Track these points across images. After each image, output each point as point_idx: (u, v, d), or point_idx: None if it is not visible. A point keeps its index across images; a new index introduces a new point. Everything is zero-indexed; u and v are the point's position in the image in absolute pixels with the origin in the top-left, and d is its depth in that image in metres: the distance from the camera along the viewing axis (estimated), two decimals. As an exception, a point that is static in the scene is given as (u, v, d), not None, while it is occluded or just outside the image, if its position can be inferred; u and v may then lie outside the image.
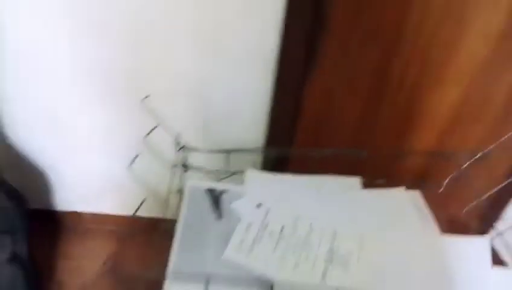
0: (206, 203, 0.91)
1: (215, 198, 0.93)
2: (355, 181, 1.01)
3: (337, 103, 1.05)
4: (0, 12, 0.90)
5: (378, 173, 1.03)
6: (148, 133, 0.81)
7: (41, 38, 0.95)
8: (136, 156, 0.67)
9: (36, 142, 1.18)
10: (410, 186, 0.99)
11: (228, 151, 0.93)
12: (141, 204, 0.65)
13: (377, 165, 1.08)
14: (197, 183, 0.95)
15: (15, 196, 1.06)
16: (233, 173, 1.01)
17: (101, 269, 1.20)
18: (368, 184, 1.00)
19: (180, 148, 0.92)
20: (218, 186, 0.95)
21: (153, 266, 0.64)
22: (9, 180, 1.08)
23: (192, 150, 0.94)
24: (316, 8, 0.87)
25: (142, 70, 0.97)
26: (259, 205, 0.91)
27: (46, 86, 1.05)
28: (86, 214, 1.36)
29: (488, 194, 0.92)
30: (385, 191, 0.99)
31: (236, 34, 0.92)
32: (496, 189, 0.94)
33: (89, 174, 1.25)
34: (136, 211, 0.61)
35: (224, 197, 0.93)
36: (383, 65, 0.98)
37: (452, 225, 0.98)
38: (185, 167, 0.97)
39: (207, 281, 0.72)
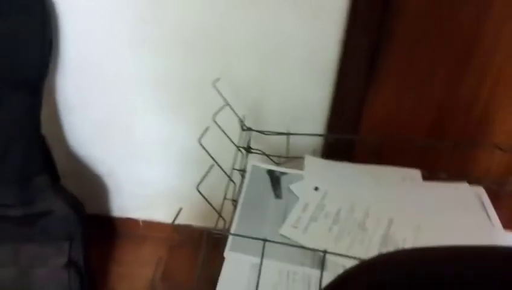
0: (266, 183, 0.97)
1: (276, 179, 0.98)
2: (415, 173, 1.01)
3: (401, 119, 1.04)
4: (64, 24, 0.97)
5: (439, 167, 1.02)
6: (217, 112, 0.88)
7: (104, 47, 1.01)
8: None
9: (95, 150, 1.24)
10: (473, 181, 0.97)
11: (289, 134, 0.98)
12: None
13: (441, 158, 1.07)
14: (259, 163, 1.01)
15: (74, 203, 1.11)
16: (293, 158, 1.06)
17: (153, 276, 1.28)
18: (428, 177, 1.00)
19: (246, 129, 0.98)
20: (279, 169, 1.01)
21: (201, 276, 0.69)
22: (69, 187, 1.15)
23: (257, 132, 1.00)
24: (381, 19, 0.88)
25: (203, 80, 1.00)
26: (316, 188, 0.95)
27: (106, 94, 1.10)
28: (140, 221, 1.42)
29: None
30: (447, 185, 0.98)
31: (296, 45, 0.94)
32: None
33: (145, 182, 1.30)
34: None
35: (284, 179, 0.98)
36: (454, 78, 0.95)
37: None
38: (249, 149, 1.04)
39: (264, 251, 0.77)
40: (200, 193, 0.72)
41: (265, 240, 0.75)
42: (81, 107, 1.14)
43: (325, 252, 0.73)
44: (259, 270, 0.73)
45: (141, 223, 1.42)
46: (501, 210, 0.97)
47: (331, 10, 0.87)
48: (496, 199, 0.94)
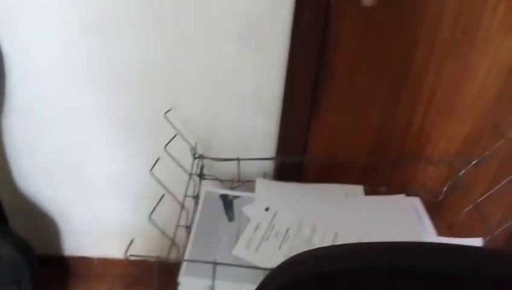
0: (219, 207, 1.01)
1: (229, 202, 1.02)
2: (358, 189, 1.09)
3: (344, 142, 1.12)
4: (10, 65, 0.98)
5: (380, 182, 1.11)
6: (168, 143, 0.92)
7: (52, 87, 1.02)
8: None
9: (46, 189, 1.22)
10: (411, 193, 1.06)
11: (239, 159, 1.03)
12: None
13: (378, 175, 1.17)
14: (212, 189, 1.05)
15: (22, 245, 1.10)
16: (245, 181, 1.11)
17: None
18: (370, 192, 1.08)
19: (197, 157, 1.03)
20: (232, 192, 1.05)
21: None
22: (18, 227, 1.13)
23: (208, 159, 1.05)
24: (320, 54, 0.96)
25: (154, 113, 1.03)
26: (267, 209, 1.00)
27: (54, 134, 1.10)
28: (94, 259, 1.40)
29: (482, 198, 0.98)
30: (386, 197, 1.07)
31: (240, 78, 1.00)
32: (488, 193, 1.00)
33: (99, 219, 1.29)
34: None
35: (237, 202, 1.02)
36: (389, 104, 1.04)
37: (452, 229, 1.04)
38: (202, 175, 1.08)
39: (215, 274, 0.80)
40: (152, 221, 0.75)
41: (215, 263, 0.79)
42: (30, 148, 1.13)
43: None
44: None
45: (96, 261, 1.41)
46: (435, 218, 1.06)
47: (274, 46, 0.95)
48: (431, 207, 1.03)
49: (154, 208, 0.75)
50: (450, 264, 0.31)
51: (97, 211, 1.27)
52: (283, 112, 1.04)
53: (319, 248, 0.38)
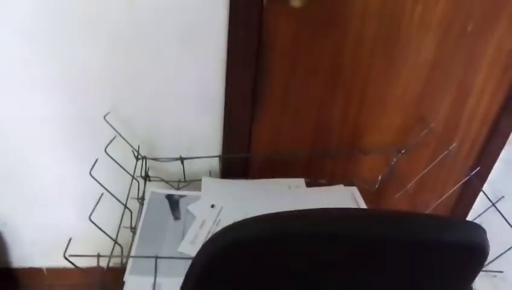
0: (165, 207, 1.02)
1: (175, 202, 1.04)
2: (300, 181, 1.14)
3: (285, 138, 1.16)
4: None
5: (320, 175, 1.17)
6: (108, 144, 0.93)
7: None
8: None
9: None
10: (349, 184, 1.13)
11: (183, 159, 1.05)
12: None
13: (320, 168, 1.23)
14: (157, 189, 1.06)
15: None
16: (192, 181, 1.13)
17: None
18: (311, 184, 1.13)
19: (140, 158, 1.04)
20: (178, 192, 1.07)
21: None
22: None
23: (151, 159, 1.06)
24: (257, 55, 0.99)
25: (93, 116, 1.02)
26: (213, 206, 1.03)
27: None
28: (44, 269, 1.34)
29: (410, 184, 1.06)
30: (326, 188, 1.12)
31: (182, 80, 1.02)
32: (415, 180, 1.08)
33: (45, 227, 1.25)
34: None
35: (183, 201, 1.04)
36: (325, 100, 1.10)
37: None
38: (147, 176, 1.09)
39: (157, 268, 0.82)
40: (93, 222, 0.76)
41: (156, 257, 0.81)
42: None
43: None
44: (153, 286, 0.77)
45: (45, 272, 1.37)
46: (373, 206, 1.14)
47: (212, 47, 0.98)
48: (369, 197, 1.10)
49: (94, 208, 0.75)
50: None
51: (42, 218, 1.23)
52: (225, 112, 1.07)
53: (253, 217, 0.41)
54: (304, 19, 0.97)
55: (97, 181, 0.82)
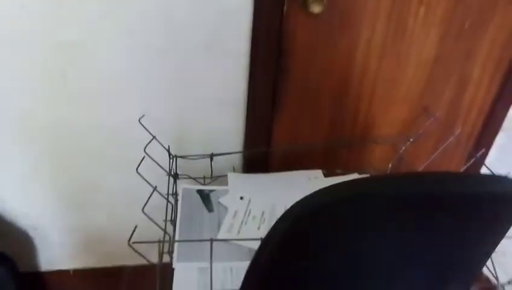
0: (198, 201, 1.10)
1: (206, 196, 1.11)
2: (318, 172, 1.23)
3: (303, 134, 1.25)
4: None
5: (336, 165, 1.26)
6: (147, 145, 1.00)
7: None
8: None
9: (18, 205, 1.23)
10: (362, 173, 1.22)
11: (213, 155, 1.13)
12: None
13: (335, 160, 1.32)
14: (188, 186, 1.14)
15: (5, 261, 1.12)
16: (217, 177, 1.21)
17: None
18: (328, 174, 1.22)
19: (173, 157, 1.11)
20: (207, 187, 1.15)
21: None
22: None
23: (182, 157, 1.13)
24: (277, 58, 1.09)
25: (126, 123, 1.12)
26: (242, 198, 1.11)
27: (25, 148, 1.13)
28: (72, 271, 1.40)
29: (420, 169, 1.16)
30: (342, 177, 1.22)
31: (208, 84, 1.10)
32: (424, 165, 1.19)
33: (74, 230, 1.31)
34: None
35: (213, 195, 1.12)
36: (338, 97, 1.20)
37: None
38: (176, 175, 1.16)
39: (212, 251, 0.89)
40: (145, 214, 0.83)
41: (212, 240, 0.88)
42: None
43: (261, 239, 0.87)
44: (211, 269, 0.84)
45: (72, 273, 1.42)
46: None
47: (237, 54, 1.06)
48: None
49: (146, 202, 0.82)
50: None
51: (72, 221, 1.29)
52: (248, 111, 1.15)
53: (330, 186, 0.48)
54: (321, 23, 1.06)
55: (143, 178, 0.90)
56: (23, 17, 0.93)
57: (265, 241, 0.54)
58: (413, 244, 0.50)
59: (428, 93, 1.22)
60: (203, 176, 1.23)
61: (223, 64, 1.08)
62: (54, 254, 1.37)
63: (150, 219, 0.85)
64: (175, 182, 1.16)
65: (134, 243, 0.76)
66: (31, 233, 1.29)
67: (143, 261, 1.42)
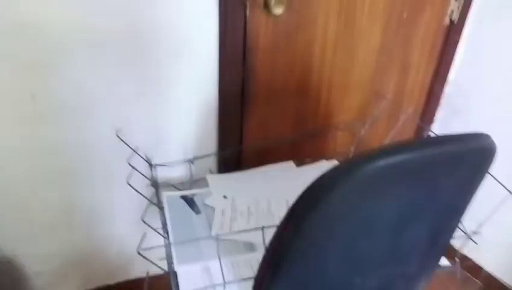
0: (183, 205, 1.12)
1: (190, 200, 1.14)
2: (290, 164, 1.31)
3: (271, 129, 1.33)
4: None
5: (305, 155, 1.35)
6: (130, 157, 1.00)
7: None
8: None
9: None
10: (329, 159, 1.32)
11: (193, 159, 1.16)
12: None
13: (302, 150, 1.41)
14: (171, 193, 1.15)
15: None
16: (195, 181, 1.24)
17: None
18: (299, 164, 1.30)
19: (153, 165, 1.12)
20: (189, 192, 1.17)
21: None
22: None
23: (162, 165, 1.15)
24: (243, 57, 1.14)
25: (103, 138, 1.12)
26: (225, 197, 1.15)
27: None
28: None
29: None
30: (312, 165, 1.31)
31: (180, 89, 1.14)
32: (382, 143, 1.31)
33: (48, 257, 1.27)
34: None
35: (197, 198, 1.15)
36: (300, 90, 1.28)
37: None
38: (157, 183, 1.17)
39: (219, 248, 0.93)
40: (145, 222, 0.84)
41: (217, 238, 0.92)
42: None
43: (263, 227, 0.91)
44: (220, 264, 0.88)
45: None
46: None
47: (207, 58, 1.10)
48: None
49: (145, 211, 0.84)
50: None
51: (46, 247, 1.24)
52: (219, 112, 1.20)
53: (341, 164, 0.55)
54: (281, 23, 1.14)
55: (136, 190, 0.91)
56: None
57: (291, 212, 0.60)
58: (415, 202, 0.59)
59: (377, 79, 1.35)
60: (181, 182, 1.25)
61: (194, 69, 1.12)
62: (32, 285, 1.30)
63: (150, 227, 0.87)
64: (157, 191, 1.17)
65: (143, 249, 0.77)
66: (4, 265, 1.22)
67: (126, 277, 1.41)
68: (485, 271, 1.56)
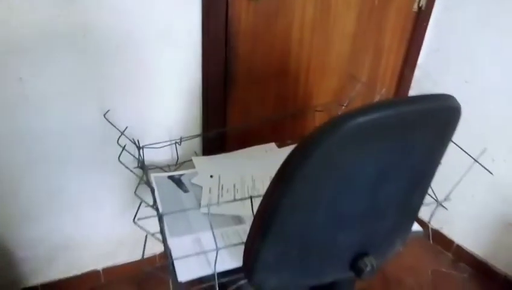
0: (171, 185, 1.16)
1: (177, 180, 1.18)
2: (272, 145, 1.36)
3: (253, 111, 1.38)
4: None
5: (286, 137, 1.41)
6: (119, 138, 1.03)
7: None
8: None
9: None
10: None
11: (181, 140, 1.20)
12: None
13: (283, 132, 1.47)
14: (158, 174, 1.19)
15: None
16: (181, 163, 1.28)
17: None
18: (280, 145, 1.36)
19: (141, 147, 1.15)
20: (176, 173, 1.21)
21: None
22: None
23: (150, 147, 1.18)
24: (226, 39, 1.18)
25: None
26: (211, 176, 1.20)
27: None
28: (40, 286, 1.37)
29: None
30: (293, 147, 1.36)
31: (166, 73, 1.18)
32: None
33: (37, 242, 1.29)
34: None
35: (184, 178, 1.19)
36: (280, 73, 1.34)
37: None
38: (144, 165, 1.20)
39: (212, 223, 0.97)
40: (138, 195, 0.88)
41: (209, 205, 0.96)
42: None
43: (251, 197, 0.96)
44: (212, 231, 0.92)
45: (40, 288, 1.37)
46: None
47: (191, 43, 1.14)
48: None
49: (137, 186, 0.88)
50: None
51: (33, 233, 1.26)
52: (203, 96, 1.24)
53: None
54: (261, 8, 1.19)
55: (126, 167, 0.94)
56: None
57: (281, 171, 0.66)
58: (392, 157, 0.65)
59: (352, 63, 1.43)
60: (167, 165, 1.28)
61: (178, 55, 1.16)
62: (19, 271, 1.31)
63: (143, 200, 0.90)
64: (145, 172, 1.20)
65: (139, 219, 0.81)
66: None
67: (114, 263, 1.43)
68: (455, 244, 1.67)
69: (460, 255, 1.66)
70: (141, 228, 0.83)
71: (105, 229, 1.36)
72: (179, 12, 1.09)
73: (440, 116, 0.64)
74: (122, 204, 1.33)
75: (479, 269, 1.60)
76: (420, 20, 1.46)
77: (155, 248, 1.50)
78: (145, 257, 1.48)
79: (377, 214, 0.73)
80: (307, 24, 1.28)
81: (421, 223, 1.03)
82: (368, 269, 0.77)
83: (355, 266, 0.78)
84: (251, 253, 0.77)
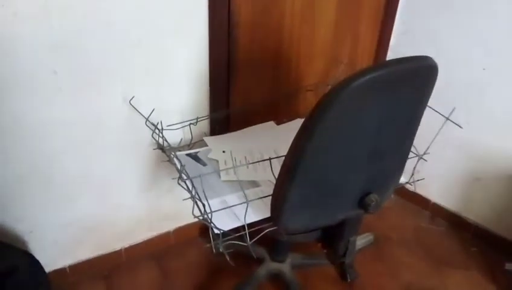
0: (191, 161, 1.32)
1: (195, 157, 1.34)
2: (272, 123, 1.54)
3: (253, 93, 1.55)
4: None
5: (283, 116, 1.59)
6: (149, 116, 1.17)
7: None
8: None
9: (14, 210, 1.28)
10: (303, 117, 1.57)
11: (194, 122, 1.36)
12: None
13: (279, 112, 1.65)
14: (178, 153, 1.34)
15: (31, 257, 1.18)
16: (194, 143, 1.44)
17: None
18: (279, 123, 1.55)
19: (160, 130, 1.30)
20: (192, 151, 1.37)
21: None
22: None
23: (168, 129, 1.34)
24: (228, 31, 1.35)
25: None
26: (224, 152, 1.36)
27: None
28: (68, 268, 1.47)
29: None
30: (290, 123, 1.55)
31: (178, 63, 1.33)
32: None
33: (67, 226, 1.39)
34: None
35: (200, 154, 1.35)
36: (275, 58, 1.52)
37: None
38: (163, 147, 1.35)
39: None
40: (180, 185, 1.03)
41: (234, 167, 1.13)
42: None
43: (270, 159, 1.13)
44: (240, 185, 1.08)
45: (68, 270, 1.48)
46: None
47: (198, 35, 1.30)
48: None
49: (180, 173, 1.03)
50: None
51: (64, 216, 1.37)
52: (210, 83, 1.41)
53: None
54: (257, 2, 1.37)
55: (157, 142, 1.09)
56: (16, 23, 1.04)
57: (307, 121, 0.83)
58: (388, 109, 0.85)
59: (335, 48, 1.63)
60: (180, 146, 1.44)
61: (188, 46, 1.32)
62: (49, 254, 1.40)
63: (183, 168, 1.06)
64: (164, 152, 1.35)
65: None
66: (27, 237, 1.34)
67: (134, 241, 1.56)
68: (432, 202, 1.91)
69: (437, 211, 1.90)
70: (182, 187, 0.98)
71: (126, 208, 1.49)
72: (190, 8, 1.25)
73: (422, 73, 0.84)
74: (142, 184, 1.47)
75: (454, 221, 1.84)
76: (389, 6, 1.68)
77: (170, 225, 1.64)
78: (161, 233, 1.62)
79: (379, 156, 0.92)
80: (296, 14, 1.46)
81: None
82: (373, 204, 0.97)
83: (363, 202, 0.97)
84: (279, 196, 0.95)
